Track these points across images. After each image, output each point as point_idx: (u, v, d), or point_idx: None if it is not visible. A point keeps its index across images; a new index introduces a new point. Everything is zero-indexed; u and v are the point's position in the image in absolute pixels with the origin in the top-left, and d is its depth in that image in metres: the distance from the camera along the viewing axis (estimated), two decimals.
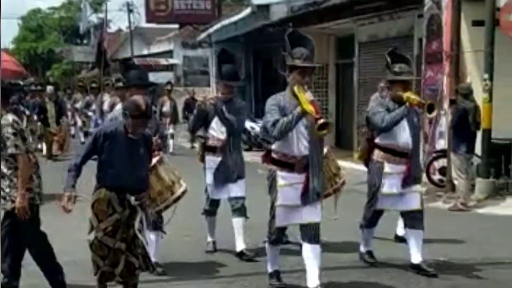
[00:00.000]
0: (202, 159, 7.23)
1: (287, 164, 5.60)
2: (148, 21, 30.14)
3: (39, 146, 17.38)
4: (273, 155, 5.68)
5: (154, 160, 5.83)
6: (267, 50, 22.67)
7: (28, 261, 6.00)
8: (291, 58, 5.60)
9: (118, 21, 56.24)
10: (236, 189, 7.02)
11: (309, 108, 5.37)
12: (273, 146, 5.67)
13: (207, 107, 7.03)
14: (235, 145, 7.14)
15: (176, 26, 30.87)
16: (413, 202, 6.47)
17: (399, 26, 14.33)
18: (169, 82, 21.19)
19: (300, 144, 5.55)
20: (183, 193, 6.01)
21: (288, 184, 5.58)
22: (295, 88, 5.47)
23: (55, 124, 16.71)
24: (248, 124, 18.94)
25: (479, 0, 11.36)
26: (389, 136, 6.47)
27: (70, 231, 8.47)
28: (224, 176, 7.00)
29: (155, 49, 31.76)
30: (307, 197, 5.55)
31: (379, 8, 14.05)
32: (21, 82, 21.20)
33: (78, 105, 20.87)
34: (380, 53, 14.94)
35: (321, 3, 17.87)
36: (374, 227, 6.76)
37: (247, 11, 21.66)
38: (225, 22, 23.44)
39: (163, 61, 29.59)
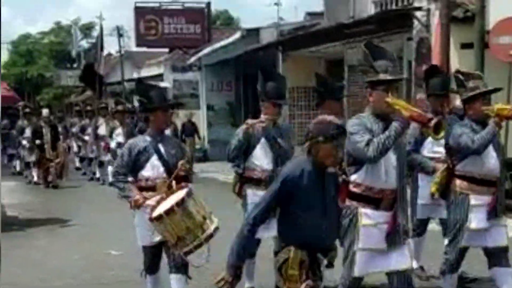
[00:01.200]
0: (239, 193, 6.38)
1: (373, 199, 4.66)
2: (138, 45, 30.20)
3: (32, 173, 16.98)
4: (354, 188, 4.68)
5: (183, 192, 5.16)
6: (256, 73, 22.78)
7: None
8: (375, 72, 4.72)
9: (108, 46, 56.29)
10: None
11: (414, 111, 4.58)
12: (354, 177, 4.70)
13: (255, 132, 6.19)
14: None
15: (166, 49, 31.00)
16: (500, 237, 5.70)
17: (389, 48, 14.18)
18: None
19: (389, 175, 4.63)
20: (216, 230, 5.16)
21: (373, 224, 4.66)
22: (389, 99, 4.58)
23: (51, 149, 16.05)
24: None
25: (468, 23, 11.53)
26: (473, 162, 5.64)
27: (62, 256, 8.50)
28: None
29: (145, 72, 31.80)
30: (395, 238, 4.65)
31: (369, 31, 14.21)
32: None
33: (75, 129, 20.17)
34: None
35: (310, 27, 18.06)
36: (457, 271, 5.93)
37: (237, 35, 21.84)
38: (215, 45, 23.61)
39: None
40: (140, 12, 28.92)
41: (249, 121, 6.35)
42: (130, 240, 9.32)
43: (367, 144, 4.50)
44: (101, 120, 16.51)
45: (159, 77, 29.70)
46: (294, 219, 4.11)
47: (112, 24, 31.35)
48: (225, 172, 17.76)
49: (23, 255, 8.61)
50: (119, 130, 14.15)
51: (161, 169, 5.66)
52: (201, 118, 25.18)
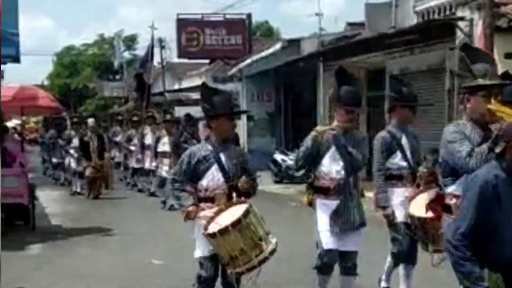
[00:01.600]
0: (310, 203, 5.99)
1: None
2: (180, 56, 30.48)
3: (77, 183, 16.55)
4: (451, 201, 4.42)
5: (241, 211, 4.89)
6: (297, 84, 22.85)
7: None
8: (472, 77, 4.37)
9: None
10: (354, 240, 5.78)
11: None
12: (451, 189, 4.43)
13: (324, 139, 5.78)
14: (355, 185, 5.86)
15: (206, 61, 31.23)
16: None
17: (431, 59, 14.35)
18: (187, 115, 21.33)
19: None
20: (272, 253, 4.91)
21: None
22: (492, 106, 4.12)
23: (97, 159, 15.83)
24: (279, 157, 19.04)
25: (511, 32, 11.37)
26: None
27: (105, 265, 8.59)
28: (342, 223, 5.71)
29: (186, 83, 32.10)
30: None
31: (410, 41, 14.11)
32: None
33: (118, 138, 19.92)
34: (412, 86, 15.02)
35: (351, 37, 17.99)
36: None
37: (278, 45, 21.89)
38: (256, 56, 23.69)
39: (194, 96, 29.87)
40: (182, 24, 29.21)
41: (319, 128, 5.91)
42: (172, 249, 9.44)
43: (469, 154, 4.21)
44: (147, 129, 16.30)
45: (200, 88, 29.95)
46: (490, 234, 3.59)
47: (154, 36, 31.55)
48: (263, 182, 17.83)
49: (67, 263, 8.73)
50: (165, 140, 14.21)
51: (221, 180, 5.36)
52: (241, 128, 25.26)
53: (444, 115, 13.55)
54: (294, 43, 21.36)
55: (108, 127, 23.87)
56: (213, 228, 4.85)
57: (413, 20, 15.93)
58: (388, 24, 16.57)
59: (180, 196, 5.41)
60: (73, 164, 16.80)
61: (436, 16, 15.07)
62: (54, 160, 19.70)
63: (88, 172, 15.73)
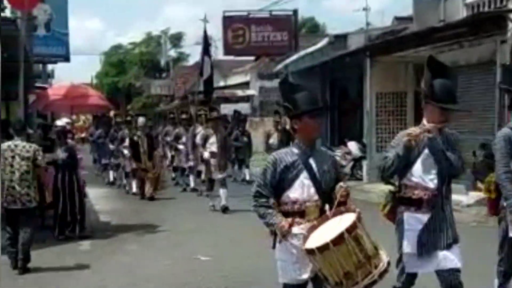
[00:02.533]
0: (390, 216, 5.17)
1: None
2: (226, 53, 30.62)
3: (132, 184, 16.16)
4: None
5: (352, 217, 4.21)
6: (343, 79, 22.65)
7: None
8: None
9: (196, 55, 57.27)
10: (451, 258, 4.92)
11: None
12: None
13: (418, 143, 4.93)
14: (447, 195, 5.04)
15: (251, 57, 31.25)
16: None
17: (480, 52, 14.05)
18: (236, 111, 21.25)
19: None
20: (389, 264, 4.24)
21: None
22: None
23: (147, 159, 15.31)
24: None
25: None
26: None
27: (152, 261, 8.65)
28: (433, 240, 4.92)
29: (231, 81, 32.22)
30: None
31: (459, 34, 13.83)
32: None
33: (169, 138, 18.65)
34: (461, 80, 14.74)
35: (399, 31, 17.74)
36: None
37: (324, 41, 21.74)
38: (302, 52, 23.59)
39: (239, 93, 29.96)
40: (228, 21, 29.33)
41: (411, 130, 4.98)
42: (219, 246, 9.45)
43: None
44: (199, 128, 15.20)
45: (246, 85, 30.01)
46: None
47: (200, 34, 31.74)
48: None
49: (115, 259, 8.82)
50: (213, 139, 13.23)
51: (312, 189, 4.51)
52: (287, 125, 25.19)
53: (494, 110, 13.25)
54: (340, 39, 21.20)
55: (154, 125, 23.56)
56: (318, 241, 4.14)
57: (462, 13, 15.61)
58: (437, 17, 16.27)
59: (266, 214, 4.50)
60: (127, 164, 16.29)
61: (486, 9, 14.74)
62: (103, 160, 19.43)
63: (138, 174, 15.41)
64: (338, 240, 4.02)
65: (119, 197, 15.96)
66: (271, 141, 16.40)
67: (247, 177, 18.37)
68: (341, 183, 4.50)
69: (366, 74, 18.26)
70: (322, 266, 4.15)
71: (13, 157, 8.14)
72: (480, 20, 13.39)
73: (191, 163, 15.88)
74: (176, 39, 50.99)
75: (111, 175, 18.65)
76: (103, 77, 55.01)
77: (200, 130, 14.78)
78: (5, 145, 8.28)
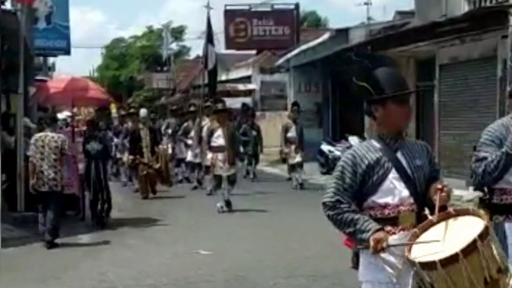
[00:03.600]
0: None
1: None
2: (227, 47, 30.57)
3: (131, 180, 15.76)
4: None
5: (477, 220, 3.32)
6: (344, 73, 22.60)
7: None
8: None
9: (197, 48, 57.23)
10: None
11: None
12: None
13: None
14: None
15: (253, 52, 31.22)
16: None
17: (482, 47, 14.02)
18: (245, 105, 21.07)
19: None
20: None
21: None
22: None
23: (150, 154, 14.52)
24: (326, 148, 18.94)
25: None
26: None
27: (152, 255, 8.66)
28: None
29: (233, 75, 32.18)
30: None
31: (461, 29, 13.80)
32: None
33: (170, 130, 18.00)
34: (462, 76, 14.74)
35: (401, 26, 17.71)
36: None
37: (326, 35, 21.71)
38: (304, 47, 23.56)
39: (241, 87, 29.92)
40: (229, 15, 29.29)
41: (505, 119, 4.33)
42: (219, 240, 9.46)
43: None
44: (206, 121, 14.62)
45: (247, 79, 29.97)
46: None
47: (201, 27, 31.67)
48: (310, 174, 17.65)
49: (115, 253, 8.83)
50: (219, 132, 12.30)
51: (405, 191, 3.63)
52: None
53: (495, 105, 13.24)
54: (342, 33, 21.18)
55: (156, 118, 23.04)
56: (425, 255, 3.26)
57: (464, 8, 15.57)
58: (439, 12, 16.22)
59: (356, 220, 3.55)
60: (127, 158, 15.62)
61: (488, 4, 14.70)
62: None
63: (140, 170, 14.45)
64: (470, 249, 3.09)
65: (121, 191, 15.83)
66: (289, 134, 15.91)
67: (256, 174, 17.98)
68: (438, 183, 3.58)
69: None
70: (440, 287, 3.21)
71: (43, 146, 9.44)
72: (482, 15, 13.35)
73: (198, 159, 15.08)
74: (178, 32, 50.91)
75: (112, 170, 17.77)
76: (104, 70, 54.95)
77: (207, 123, 14.17)
78: (37, 136, 9.68)
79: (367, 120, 18.65)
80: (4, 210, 10.63)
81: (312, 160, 18.66)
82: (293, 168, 15.99)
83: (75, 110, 15.87)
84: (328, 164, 18.94)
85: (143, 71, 48.37)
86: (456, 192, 13.66)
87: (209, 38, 20.31)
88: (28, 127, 11.99)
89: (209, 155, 12.39)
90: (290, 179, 16.33)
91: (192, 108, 17.36)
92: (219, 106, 12.75)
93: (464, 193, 13.01)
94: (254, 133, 18.50)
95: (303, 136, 16.26)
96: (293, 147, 15.77)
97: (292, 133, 15.87)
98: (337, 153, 19.64)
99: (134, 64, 50.70)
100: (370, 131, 18.20)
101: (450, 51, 15.12)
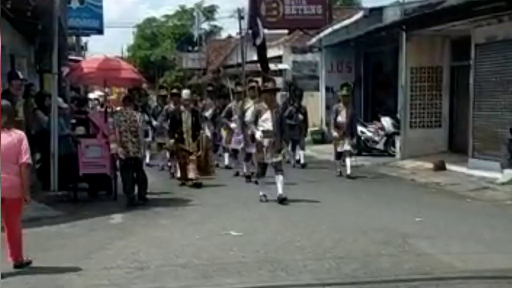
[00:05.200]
0: None
1: None
2: None
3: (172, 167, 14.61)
4: None
5: None
6: (377, 53, 22.37)
7: None
8: None
9: (228, 28, 57.11)
10: None
11: None
12: None
13: None
14: None
15: (285, 31, 30.97)
16: None
17: None
18: (291, 84, 20.62)
19: None
20: None
21: None
22: None
23: (191, 139, 13.29)
24: (358, 129, 18.78)
25: None
26: None
27: (184, 236, 8.67)
28: None
29: None
30: None
31: (498, 8, 13.49)
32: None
33: (208, 113, 16.88)
34: (498, 55, 14.43)
35: (436, 4, 17.39)
36: None
37: (359, 15, 21.45)
38: (336, 26, 23.32)
39: (272, 67, 29.70)
40: None
41: None
42: (250, 222, 9.43)
43: None
44: (249, 103, 13.25)
45: (278, 58, 29.77)
46: None
47: (233, 6, 31.64)
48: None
49: (147, 233, 8.85)
50: (267, 115, 11.21)
51: None
52: (319, 99, 24.99)
53: None
54: (376, 12, 20.93)
55: (197, 100, 21.50)
56: None
57: None
58: None
59: None
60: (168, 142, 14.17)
61: None
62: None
63: (180, 157, 13.39)
64: None
65: (153, 171, 15.71)
66: (339, 119, 14.82)
67: (302, 160, 16.63)
68: None
69: (402, 48, 17.98)
70: None
71: (125, 121, 11.19)
72: None
73: (241, 145, 13.91)
74: (209, 12, 50.83)
75: (148, 155, 16.76)
76: (135, 50, 55.14)
77: (250, 105, 12.93)
78: (118, 112, 11.73)
79: (400, 100, 18.44)
80: (37, 189, 10.76)
81: None
82: (339, 156, 14.93)
83: (107, 90, 15.89)
84: (360, 145, 18.79)
85: (174, 50, 48.42)
86: (490, 175, 13.47)
87: (254, 11, 19.26)
88: (60, 107, 12.08)
89: (258, 134, 11.15)
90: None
91: (239, 88, 15.57)
92: (269, 85, 11.68)
93: (498, 176, 12.80)
94: (300, 117, 16.76)
95: (354, 122, 15.20)
96: (341, 132, 14.75)
97: (342, 118, 14.78)
98: (369, 134, 19.48)
99: (166, 44, 50.76)
100: (403, 112, 18.00)
101: (486, 31, 14.80)
